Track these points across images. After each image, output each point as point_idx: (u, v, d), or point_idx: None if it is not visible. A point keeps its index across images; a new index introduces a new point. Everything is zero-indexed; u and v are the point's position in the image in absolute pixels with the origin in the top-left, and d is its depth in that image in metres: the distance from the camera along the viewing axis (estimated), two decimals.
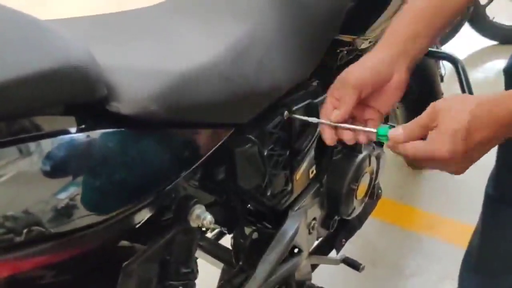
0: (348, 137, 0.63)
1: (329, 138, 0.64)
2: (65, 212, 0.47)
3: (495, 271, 0.80)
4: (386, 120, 1.18)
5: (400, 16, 0.64)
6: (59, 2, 3.06)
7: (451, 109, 0.53)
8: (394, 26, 0.63)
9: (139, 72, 0.53)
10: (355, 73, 0.61)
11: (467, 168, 0.56)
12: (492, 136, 0.52)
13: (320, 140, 0.87)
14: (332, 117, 0.62)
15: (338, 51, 0.87)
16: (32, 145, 0.44)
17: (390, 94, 0.62)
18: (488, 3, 2.63)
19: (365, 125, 0.63)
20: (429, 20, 0.62)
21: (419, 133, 0.55)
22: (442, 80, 1.45)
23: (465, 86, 1.07)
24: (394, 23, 0.64)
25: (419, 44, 0.62)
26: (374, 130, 0.60)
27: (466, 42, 2.57)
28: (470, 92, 1.03)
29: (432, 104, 0.55)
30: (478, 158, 0.54)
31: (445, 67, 1.45)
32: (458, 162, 0.54)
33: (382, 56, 0.61)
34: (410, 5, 0.64)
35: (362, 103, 0.62)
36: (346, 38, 0.86)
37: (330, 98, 0.64)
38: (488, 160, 0.76)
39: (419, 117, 0.56)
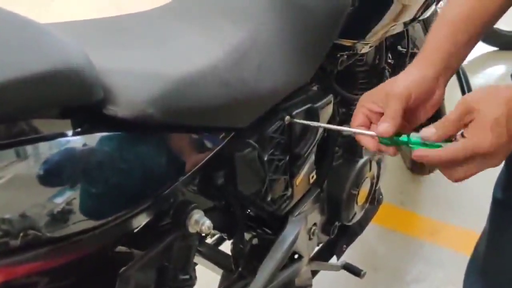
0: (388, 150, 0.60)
1: (371, 146, 0.61)
2: (61, 216, 0.46)
3: (502, 277, 0.79)
4: None
5: (437, 28, 0.61)
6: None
7: (486, 100, 0.51)
8: (433, 41, 0.61)
9: (137, 75, 0.53)
10: (401, 85, 0.58)
11: (506, 157, 0.53)
12: None
13: (320, 145, 0.87)
14: (381, 130, 0.57)
15: (338, 55, 0.86)
16: (28, 148, 0.43)
17: (427, 109, 0.60)
18: None
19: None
20: (468, 30, 0.59)
21: (453, 129, 0.53)
22: None
23: (466, 91, 1.06)
24: (432, 37, 0.61)
25: (460, 57, 0.60)
26: (375, 134, 0.59)
27: None
28: None
29: (462, 98, 0.53)
30: None
31: None
32: (502, 152, 0.52)
33: (424, 74, 0.59)
34: (446, 14, 0.61)
35: (406, 118, 0.60)
36: (346, 42, 0.85)
37: (362, 108, 0.61)
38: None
39: (450, 113, 0.54)
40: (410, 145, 0.57)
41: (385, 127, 0.57)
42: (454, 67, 0.60)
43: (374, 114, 0.61)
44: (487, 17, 0.60)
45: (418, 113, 0.61)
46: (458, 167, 0.54)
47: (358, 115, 0.62)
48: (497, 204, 0.77)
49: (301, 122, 0.75)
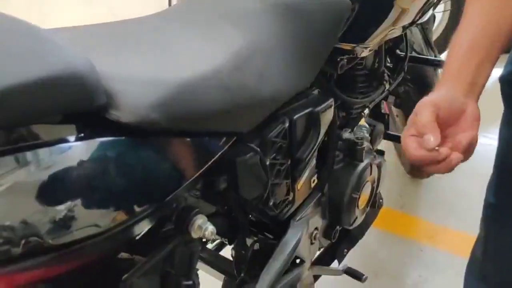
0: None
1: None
2: (62, 223, 0.45)
3: (499, 280, 0.79)
4: (386, 127, 1.18)
5: (459, 43, 0.60)
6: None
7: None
8: (456, 59, 0.60)
9: (139, 81, 0.53)
10: (429, 97, 0.59)
11: None
12: None
13: (321, 149, 0.87)
14: (427, 145, 0.55)
15: (338, 59, 0.86)
16: (30, 154, 0.43)
17: (468, 125, 0.58)
18: None
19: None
20: (491, 45, 0.59)
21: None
22: None
23: None
24: (454, 54, 0.60)
25: (485, 72, 0.59)
26: None
27: None
28: None
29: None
30: None
31: None
32: None
33: (453, 93, 0.58)
34: (468, 28, 0.60)
35: (444, 135, 0.58)
36: (346, 46, 0.86)
37: (408, 132, 0.59)
38: (490, 170, 0.76)
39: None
40: None
41: (427, 139, 0.55)
42: (481, 84, 0.59)
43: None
44: (503, 29, 0.59)
45: (462, 129, 0.58)
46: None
47: (406, 142, 0.59)
48: (489, 208, 0.78)
49: None
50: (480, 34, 0.59)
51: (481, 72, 0.59)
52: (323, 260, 1.05)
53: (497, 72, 0.71)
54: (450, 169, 0.57)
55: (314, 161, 0.85)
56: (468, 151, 0.58)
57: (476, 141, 0.58)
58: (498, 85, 0.71)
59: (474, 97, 0.59)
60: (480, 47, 0.59)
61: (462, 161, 0.58)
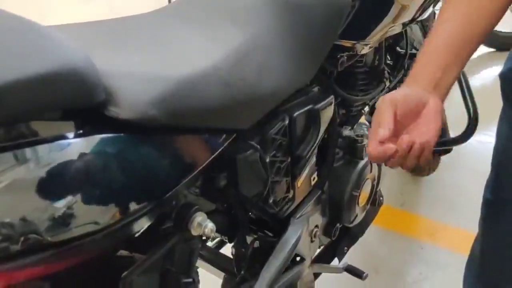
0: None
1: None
2: (62, 220, 0.45)
3: (498, 277, 0.79)
4: None
5: (429, 45, 0.61)
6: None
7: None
8: (423, 58, 0.61)
9: (138, 77, 0.52)
10: (389, 94, 0.60)
11: None
12: None
13: (321, 146, 0.86)
14: (378, 137, 0.57)
15: (338, 56, 0.86)
16: (29, 151, 0.42)
17: (430, 118, 0.59)
18: None
19: None
20: (459, 48, 0.60)
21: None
22: None
23: (466, 92, 1.07)
24: (423, 54, 0.61)
25: (451, 74, 0.60)
26: None
27: None
28: (471, 97, 1.02)
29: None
30: None
31: None
32: None
33: (414, 90, 0.60)
34: (438, 31, 0.61)
35: (407, 131, 0.60)
36: (346, 43, 0.85)
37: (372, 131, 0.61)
38: (489, 168, 0.76)
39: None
40: None
41: (379, 132, 0.57)
42: (444, 85, 0.60)
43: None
44: (479, 37, 0.60)
45: (424, 124, 0.59)
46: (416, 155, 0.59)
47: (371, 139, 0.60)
48: (487, 205, 0.78)
49: None
50: (450, 39, 0.60)
51: (447, 74, 0.60)
52: (324, 258, 1.05)
53: (498, 70, 0.71)
54: (410, 161, 0.59)
55: (314, 159, 0.85)
56: (429, 144, 0.59)
57: (438, 133, 0.59)
58: (498, 84, 0.71)
59: (437, 95, 0.60)
60: (449, 51, 0.60)
61: (426, 155, 0.59)
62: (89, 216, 0.47)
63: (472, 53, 0.61)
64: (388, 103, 0.58)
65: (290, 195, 0.82)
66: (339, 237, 1.00)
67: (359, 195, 0.94)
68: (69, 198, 0.45)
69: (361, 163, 0.94)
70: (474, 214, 0.83)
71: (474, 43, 0.61)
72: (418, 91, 0.59)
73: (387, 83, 1.07)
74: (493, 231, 0.78)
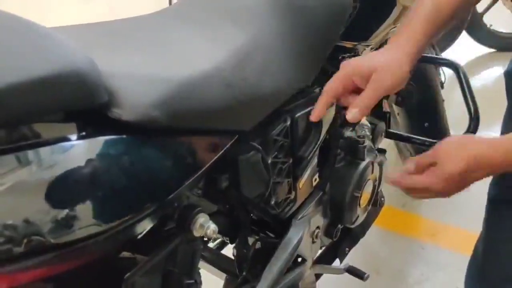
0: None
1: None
2: (65, 222, 0.45)
3: (501, 276, 0.78)
4: (388, 126, 1.17)
5: (412, 19, 0.70)
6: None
7: (450, 156, 0.62)
8: (408, 27, 0.70)
9: (141, 78, 0.52)
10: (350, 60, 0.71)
11: (453, 194, 0.66)
12: (486, 175, 0.62)
13: (323, 147, 0.86)
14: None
15: (340, 57, 0.86)
16: (31, 153, 0.42)
17: (384, 75, 0.67)
18: (485, 11, 2.65)
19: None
20: (426, 19, 0.68)
21: (421, 170, 0.66)
22: (442, 87, 1.44)
23: (467, 92, 1.06)
24: (406, 26, 0.70)
25: (428, 41, 0.69)
26: None
27: (464, 50, 2.59)
28: (472, 97, 1.02)
29: (436, 145, 0.65)
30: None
31: (445, 74, 1.45)
32: (451, 194, 0.66)
33: (391, 53, 0.68)
34: (417, 10, 0.70)
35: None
36: (348, 44, 0.85)
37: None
38: None
39: (423, 155, 0.67)
40: None
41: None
42: (408, 51, 0.68)
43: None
44: (447, 13, 0.69)
45: (380, 77, 0.68)
46: (415, 193, 0.69)
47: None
48: (490, 202, 0.78)
49: None
50: (419, 11, 0.69)
51: (427, 40, 0.69)
52: (325, 259, 1.05)
53: (499, 70, 0.71)
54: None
55: (315, 160, 0.85)
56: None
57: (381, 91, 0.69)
58: (499, 84, 0.71)
59: (410, 63, 0.68)
60: (427, 20, 0.68)
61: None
62: (92, 218, 0.47)
63: (445, 27, 0.71)
64: (343, 70, 0.69)
65: (292, 196, 0.81)
66: (341, 238, 1.00)
67: (361, 196, 0.94)
68: (72, 200, 0.45)
69: (363, 164, 0.94)
70: (475, 214, 0.83)
71: (445, 20, 0.70)
72: (379, 57, 0.68)
73: None
74: (495, 230, 0.78)
